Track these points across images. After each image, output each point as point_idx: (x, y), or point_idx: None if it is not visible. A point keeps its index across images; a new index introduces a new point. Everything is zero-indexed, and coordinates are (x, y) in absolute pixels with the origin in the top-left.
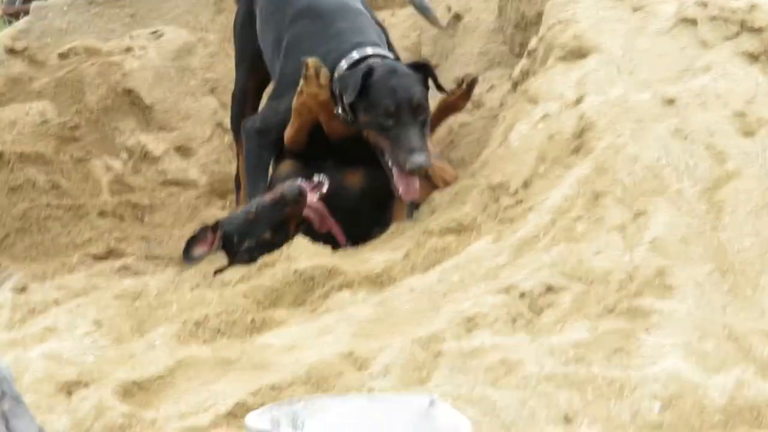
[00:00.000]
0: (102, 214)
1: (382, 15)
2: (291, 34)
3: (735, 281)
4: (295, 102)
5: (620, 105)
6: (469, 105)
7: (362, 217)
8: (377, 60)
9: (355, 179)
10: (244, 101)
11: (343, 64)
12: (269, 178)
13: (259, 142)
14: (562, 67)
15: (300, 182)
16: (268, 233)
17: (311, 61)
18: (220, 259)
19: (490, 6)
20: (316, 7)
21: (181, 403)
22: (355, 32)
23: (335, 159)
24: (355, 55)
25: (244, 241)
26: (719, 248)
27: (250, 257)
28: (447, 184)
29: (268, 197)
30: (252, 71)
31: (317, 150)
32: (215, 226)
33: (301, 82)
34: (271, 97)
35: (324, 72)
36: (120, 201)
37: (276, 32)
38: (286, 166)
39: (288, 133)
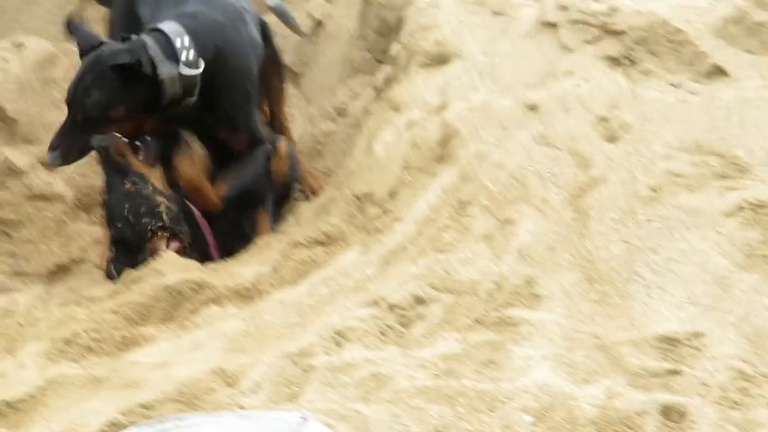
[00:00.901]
0: None
1: None
2: None
3: (603, 290)
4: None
5: (483, 111)
6: (333, 113)
7: (232, 228)
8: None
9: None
10: None
11: None
12: None
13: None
14: (424, 73)
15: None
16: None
17: None
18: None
19: (352, 13)
20: None
21: (52, 423)
22: None
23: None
24: None
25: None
26: (586, 256)
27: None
28: (316, 192)
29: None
30: None
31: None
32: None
33: None
34: None
35: None
36: None
37: None
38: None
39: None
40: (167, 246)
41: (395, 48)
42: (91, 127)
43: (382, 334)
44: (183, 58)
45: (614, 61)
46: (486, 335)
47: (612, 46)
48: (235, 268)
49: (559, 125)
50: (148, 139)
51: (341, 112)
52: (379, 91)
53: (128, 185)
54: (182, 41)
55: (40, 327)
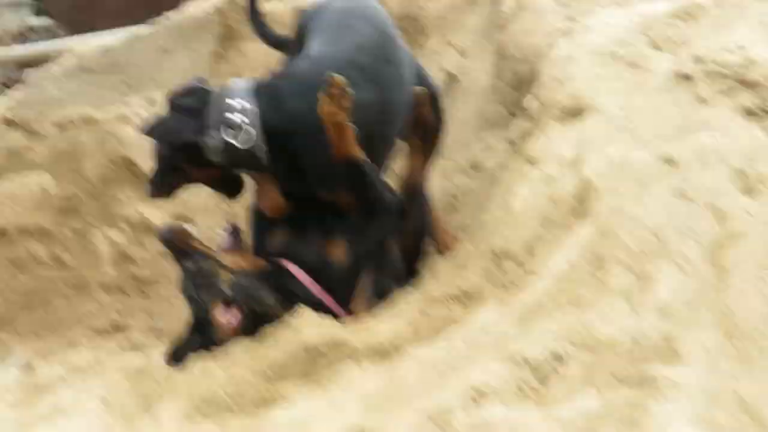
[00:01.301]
0: (104, 287)
1: None
2: None
3: (743, 346)
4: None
5: (620, 165)
6: (468, 168)
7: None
8: None
9: (338, 251)
10: None
11: None
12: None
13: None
14: (559, 126)
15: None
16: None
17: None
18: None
19: (486, 66)
20: None
21: None
22: None
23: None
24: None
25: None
26: (726, 312)
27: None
28: (448, 248)
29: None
30: None
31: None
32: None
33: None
34: None
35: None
36: (122, 273)
37: None
38: (278, 236)
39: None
40: (225, 315)
41: (530, 101)
42: (168, 169)
43: (521, 391)
44: (233, 123)
45: (751, 113)
46: (625, 393)
47: (748, 98)
48: (372, 325)
49: (696, 179)
50: (234, 226)
51: (476, 167)
52: (514, 145)
53: (191, 265)
54: (242, 105)
55: (177, 385)
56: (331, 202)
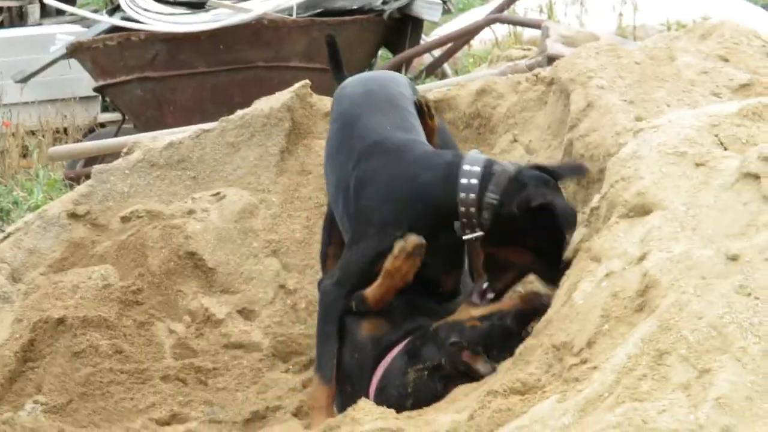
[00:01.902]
0: (165, 378)
1: None
2: (361, 170)
3: None
4: (389, 264)
5: (684, 262)
6: None
7: None
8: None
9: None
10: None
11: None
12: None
13: (332, 299)
14: (625, 224)
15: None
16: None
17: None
18: None
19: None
20: (386, 142)
21: None
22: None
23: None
24: (476, 168)
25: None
26: None
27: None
28: None
29: (510, 306)
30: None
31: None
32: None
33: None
34: (347, 247)
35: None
36: (183, 365)
37: (340, 172)
38: (372, 326)
39: (375, 293)
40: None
41: (596, 199)
42: None
43: None
44: None
45: None
46: None
47: None
48: (432, 416)
49: (760, 276)
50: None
51: None
52: (580, 243)
53: None
54: None
55: None
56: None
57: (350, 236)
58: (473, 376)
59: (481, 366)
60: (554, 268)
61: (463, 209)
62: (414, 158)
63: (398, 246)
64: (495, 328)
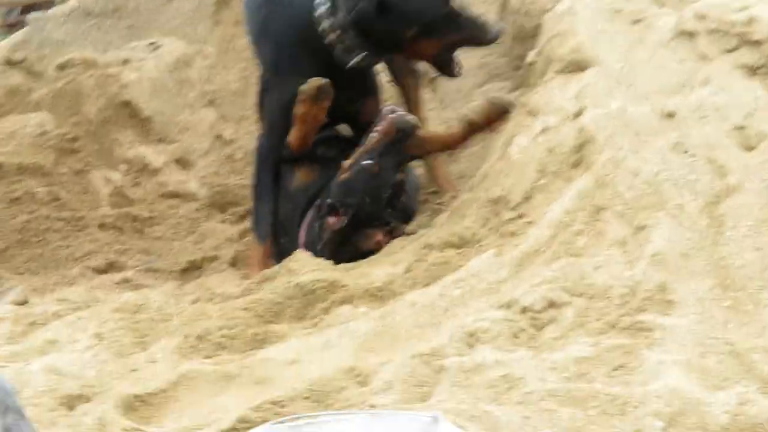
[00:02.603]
0: (102, 226)
1: None
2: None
3: (736, 297)
4: (297, 110)
5: (619, 118)
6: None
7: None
8: None
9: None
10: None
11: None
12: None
13: (262, 151)
14: (560, 79)
15: (395, 112)
16: (398, 175)
17: (316, 83)
18: None
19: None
20: None
21: (183, 417)
22: None
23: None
24: None
25: (380, 196)
26: (720, 263)
27: (399, 211)
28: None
29: (377, 142)
30: None
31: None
32: (332, 206)
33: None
34: (263, 101)
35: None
36: (120, 213)
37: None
38: (304, 175)
39: (294, 140)
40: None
41: (531, 54)
42: None
43: (515, 336)
44: None
45: (752, 70)
46: (618, 340)
47: (750, 56)
48: (368, 269)
49: (695, 133)
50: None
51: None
52: (515, 97)
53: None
54: None
55: (172, 323)
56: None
57: (262, 85)
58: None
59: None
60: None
61: (333, 37)
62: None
63: (302, 91)
64: (359, 173)
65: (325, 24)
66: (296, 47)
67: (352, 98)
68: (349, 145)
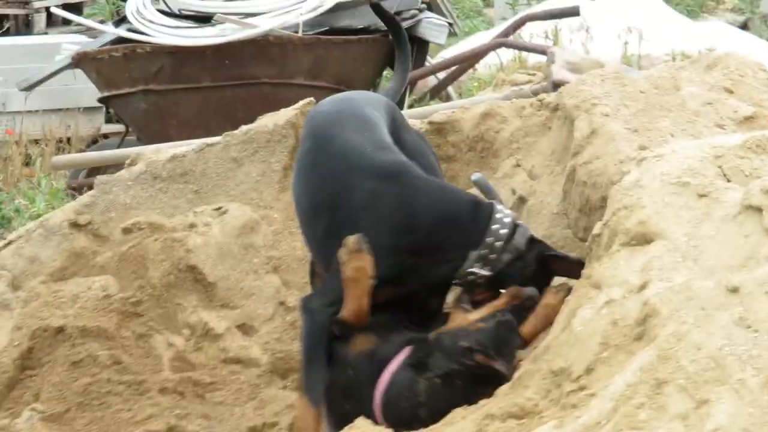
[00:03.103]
0: (163, 390)
1: None
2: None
3: None
4: (346, 271)
5: (684, 292)
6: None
7: None
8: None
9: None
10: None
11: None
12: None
13: (322, 319)
14: (626, 252)
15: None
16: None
17: (353, 238)
18: None
19: (555, 190)
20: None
21: None
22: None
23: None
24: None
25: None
26: None
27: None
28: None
29: (504, 304)
30: None
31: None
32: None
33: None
34: (332, 269)
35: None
36: (181, 378)
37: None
38: (361, 342)
39: (349, 308)
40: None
41: (597, 227)
42: None
43: None
44: None
45: None
46: None
47: None
48: None
49: (759, 308)
50: None
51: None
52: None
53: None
54: None
55: None
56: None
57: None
58: (497, 378)
59: (499, 366)
60: None
61: (490, 242)
62: (428, 188)
63: (343, 251)
64: (500, 325)
65: (496, 230)
66: (429, 229)
67: (429, 291)
68: (395, 314)
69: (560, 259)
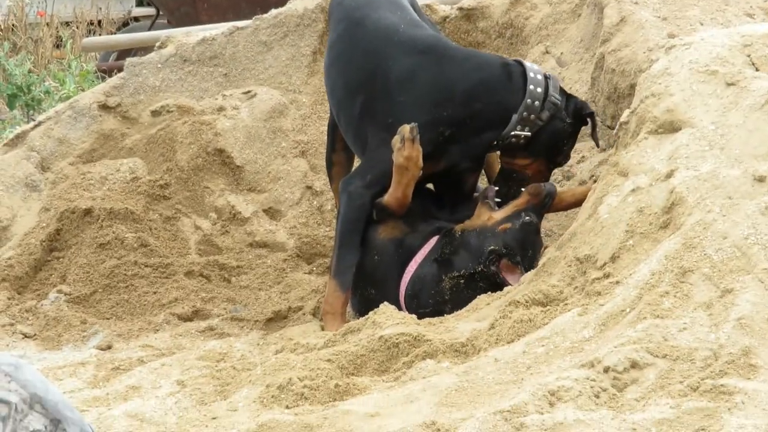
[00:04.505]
0: (189, 274)
1: None
2: (396, 68)
3: None
4: (398, 158)
5: (711, 181)
6: (559, 176)
7: None
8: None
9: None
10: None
11: (537, 85)
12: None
13: (361, 203)
14: (653, 140)
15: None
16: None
17: (408, 127)
18: None
19: (584, 77)
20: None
21: None
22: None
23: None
24: (539, 76)
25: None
26: None
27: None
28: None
29: (526, 202)
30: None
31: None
32: (497, 254)
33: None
34: (373, 146)
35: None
36: (207, 261)
37: (355, 73)
38: (390, 228)
39: (396, 194)
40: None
41: (625, 114)
42: None
43: (596, 396)
44: None
45: None
46: (700, 403)
47: None
48: (452, 324)
49: None
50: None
51: (567, 176)
52: (608, 156)
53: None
54: None
55: (254, 372)
56: None
57: (380, 136)
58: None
59: (515, 278)
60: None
61: (529, 103)
62: (463, 57)
63: (398, 138)
64: (524, 226)
65: (533, 90)
66: (465, 100)
67: (468, 166)
68: (424, 201)
69: (593, 114)
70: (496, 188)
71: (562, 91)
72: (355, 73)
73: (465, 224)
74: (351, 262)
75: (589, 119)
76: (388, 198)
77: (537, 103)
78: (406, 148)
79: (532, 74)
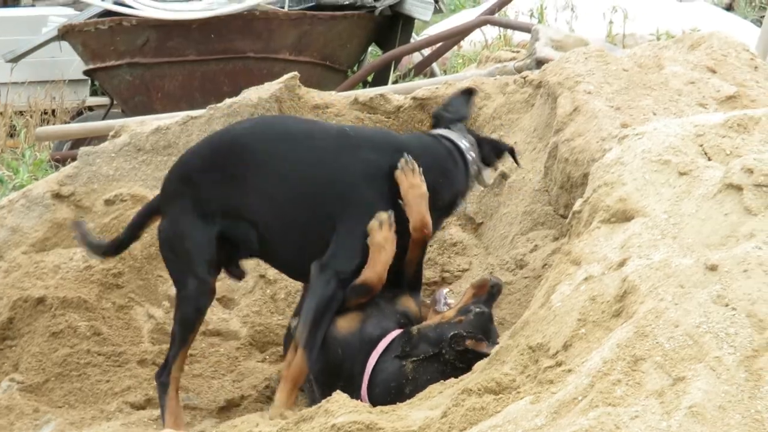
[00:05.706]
0: (142, 362)
1: None
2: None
3: None
4: (378, 237)
5: (663, 269)
6: (512, 265)
7: None
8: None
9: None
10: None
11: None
12: None
13: (333, 292)
14: (606, 229)
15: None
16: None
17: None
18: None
19: (537, 166)
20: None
21: None
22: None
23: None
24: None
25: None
26: (757, 417)
27: None
28: None
29: (472, 296)
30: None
31: None
32: (460, 336)
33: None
34: (345, 234)
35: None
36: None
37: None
38: (350, 320)
39: (375, 272)
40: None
41: (578, 203)
42: None
43: None
44: None
45: None
46: None
47: None
48: (405, 412)
49: (737, 286)
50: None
51: (520, 264)
52: (560, 245)
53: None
54: None
55: None
56: None
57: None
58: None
59: (486, 348)
60: None
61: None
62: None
63: (377, 219)
64: (478, 316)
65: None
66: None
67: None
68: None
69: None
70: (447, 290)
71: (474, 135)
72: (304, 181)
73: (420, 325)
74: (319, 342)
75: (509, 153)
76: (369, 275)
77: (475, 168)
78: (384, 230)
79: (463, 145)
